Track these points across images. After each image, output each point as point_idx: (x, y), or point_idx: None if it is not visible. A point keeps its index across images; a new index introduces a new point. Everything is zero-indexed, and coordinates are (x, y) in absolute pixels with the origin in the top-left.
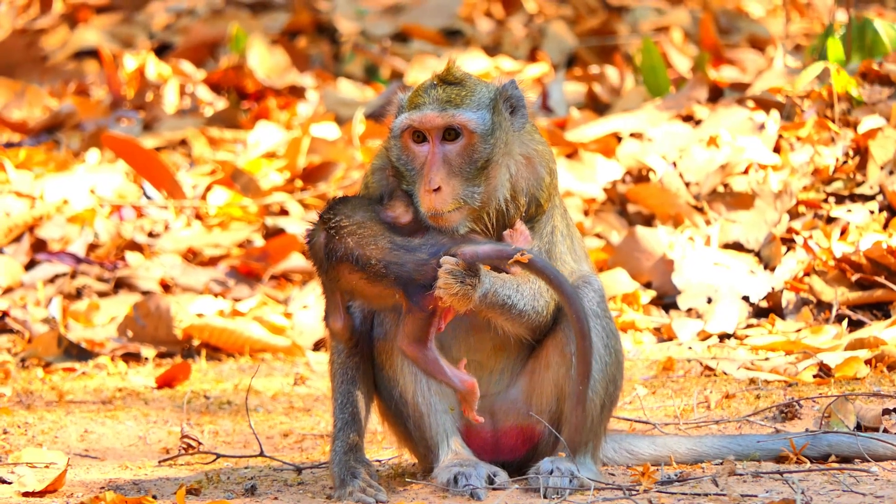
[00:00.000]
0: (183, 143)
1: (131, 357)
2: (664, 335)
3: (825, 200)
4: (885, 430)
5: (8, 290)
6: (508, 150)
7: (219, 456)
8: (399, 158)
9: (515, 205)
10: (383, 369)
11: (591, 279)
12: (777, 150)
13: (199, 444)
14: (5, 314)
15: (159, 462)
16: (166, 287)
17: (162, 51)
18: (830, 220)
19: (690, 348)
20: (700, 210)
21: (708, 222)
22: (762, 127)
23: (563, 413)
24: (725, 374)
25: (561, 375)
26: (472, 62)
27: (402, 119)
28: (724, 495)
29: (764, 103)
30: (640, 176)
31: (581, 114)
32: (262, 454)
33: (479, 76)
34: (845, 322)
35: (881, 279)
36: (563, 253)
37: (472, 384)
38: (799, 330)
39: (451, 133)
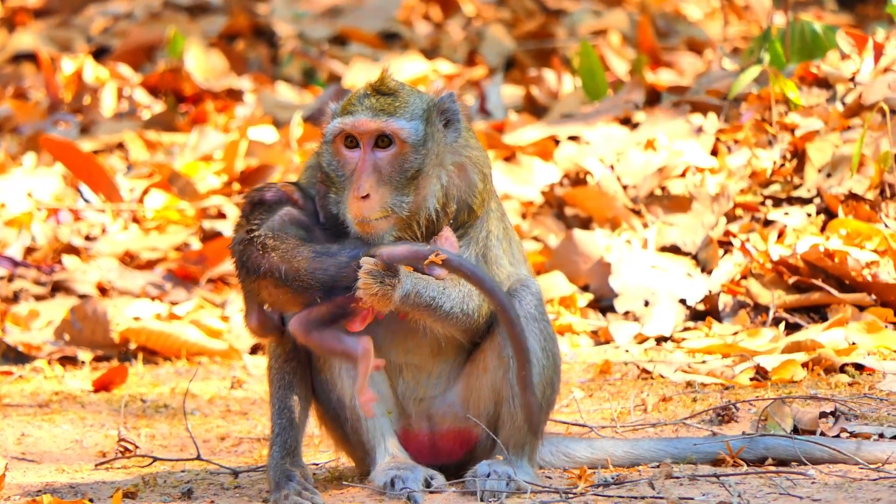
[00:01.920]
0: (120, 146)
1: (68, 360)
2: (601, 338)
3: (762, 203)
4: (822, 434)
5: None
6: (440, 161)
7: (155, 459)
8: (330, 164)
9: (445, 212)
10: (321, 373)
11: (529, 282)
12: (714, 153)
13: (136, 447)
14: None
15: (96, 465)
16: (103, 290)
17: (99, 54)
18: (767, 222)
19: (627, 351)
20: (637, 213)
21: (645, 225)
22: (700, 130)
23: (501, 416)
24: (662, 377)
25: (498, 379)
26: (410, 65)
27: (335, 123)
28: (661, 498)
29: (701, 106)
30: (577, 179)
31: (519, 117)
32: (198, 458)
33: (415, 81)
34: (782, 325)
35: (818, 282)
36: (500, 256)
37: (367, 346)
38: (736, 333)
39: (383, 140)
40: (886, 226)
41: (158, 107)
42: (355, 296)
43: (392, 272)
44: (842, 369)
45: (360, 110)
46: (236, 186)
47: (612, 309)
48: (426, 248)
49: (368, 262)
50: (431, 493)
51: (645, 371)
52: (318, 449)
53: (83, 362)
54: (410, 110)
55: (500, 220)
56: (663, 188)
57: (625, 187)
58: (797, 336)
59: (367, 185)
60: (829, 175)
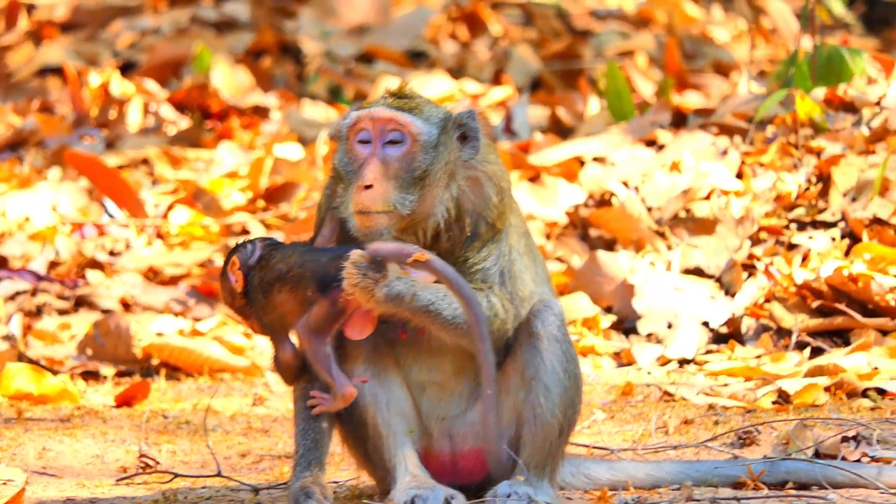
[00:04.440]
0: (145, 161)
1: (90, 375)
2: (624, 360)
3: (787, 227)
4: (843, 458)
5: None
6: (451, 172)
7: (176, 475)
8: (341, 160)
9: (459, 226)
10: None
11: (552, 302)
12: (740, 175)
13: (157, 463)
14: None
15: (117, 481)
16: (126, 306)
17: (126, 69)
18: (792, 246)
19: (650, 373)
20: (661, 235)
21: (669, 247)
22: (725, 152)
23: (522, 437)
24: (684, 399)
25: (520, 399)
26: (436, 84)
27: (351, 115)
28: None
29: (727, 129)
30: (602, 200)
31: (544, 137)
32: (219, 474)
33: (441, 100)
34: (806, 349)
35: (842, 306)
36: (522, 271)
37: (352, 394)
38: (758, 356)
39: (395, 137)
40: None
41: (184, 122)
42: (342, 287)
43: (378, 267)
44: (864, 394)
45: (376, 105)
46: (261, 203)
47: (634, 331)
48: (413, 248)
49: (356, 254)
50: None
51: (667, 393)
52: (339, 467)
53: (105, 377)
54: (426, 114)
55: (523, 237)
56: (688, 210)
57: (649, 209)
58: (820, 360)
59: (371, 175)
60: (853, 199)
